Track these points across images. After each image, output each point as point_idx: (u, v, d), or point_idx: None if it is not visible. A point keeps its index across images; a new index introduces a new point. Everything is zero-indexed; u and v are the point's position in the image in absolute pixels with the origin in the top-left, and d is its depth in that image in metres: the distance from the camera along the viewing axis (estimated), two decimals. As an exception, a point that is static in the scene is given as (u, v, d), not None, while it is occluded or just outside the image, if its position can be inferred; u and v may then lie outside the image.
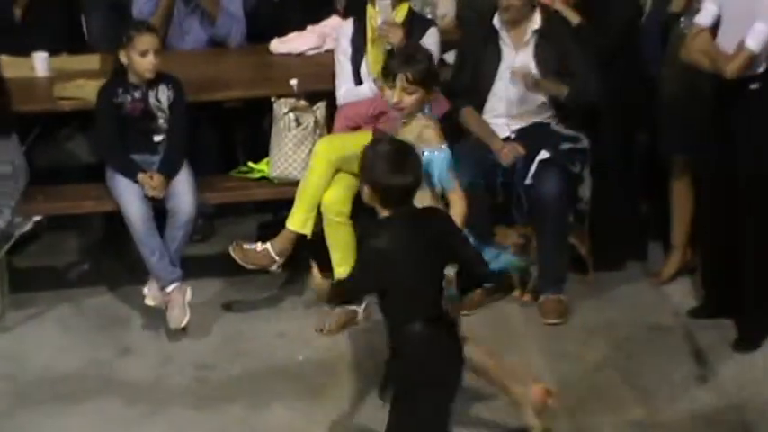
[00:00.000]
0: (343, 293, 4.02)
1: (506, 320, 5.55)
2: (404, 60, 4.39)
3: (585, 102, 5.56)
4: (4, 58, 5.90)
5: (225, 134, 6.34)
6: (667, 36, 5.58)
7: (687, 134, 5.43)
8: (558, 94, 5.54)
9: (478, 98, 5.68)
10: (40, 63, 5.97)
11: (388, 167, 3.77)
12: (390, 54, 4.42)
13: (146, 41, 5.36)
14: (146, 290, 5.47)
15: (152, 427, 4.78)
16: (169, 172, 5.47)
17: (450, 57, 5.97)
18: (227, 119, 6.36)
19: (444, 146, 4.47)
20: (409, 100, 4.34)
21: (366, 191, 3.85)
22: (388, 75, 4.43)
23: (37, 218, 5.62)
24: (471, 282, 4.18)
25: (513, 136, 5.62)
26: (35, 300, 5.71)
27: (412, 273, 3.80)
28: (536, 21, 5.61)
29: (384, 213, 3.84)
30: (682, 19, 5.47)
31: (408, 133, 4.49)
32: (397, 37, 5.50)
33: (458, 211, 4.48)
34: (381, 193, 3.80)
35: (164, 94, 5.53)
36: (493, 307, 5.62)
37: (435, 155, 4.44)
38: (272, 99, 5.71)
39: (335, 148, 5.51)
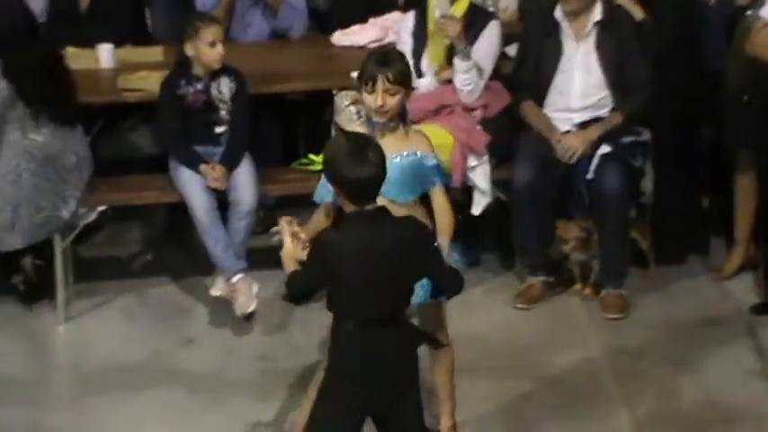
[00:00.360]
0: (290, 284, 3.80)
1: (567, 314, 5.54)
2: (381, 62, 4.23)
3: (640, 110, 5.55)
4: (70, 49, 5.96)
5: (286, 126, 6.37)
6: (733, 30, 5.53)
7: (752, 128, 5.39)
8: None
9: (539, 92, 5.67)
10: (105, 55, 6.02)
11: (348, 161, 3.65)
12: (367, 59, 4.31)
13: (213, 32, 5.41)
14: (215, 281, 5.52)
15: (214, 417, 4.82)
16: (231, 163, 5.52)
17: (511, 50, 5.95)
18: (289, 111, 6.39)
19: (434, 153, 4.32)
20: (392, 101, 4.19)
21: (334, 189, 3.74)
22: (366, 80, 4.21)
23: (101, 208, 5.67)
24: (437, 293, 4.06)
25: (573, 130, 5.60)
26: (99, 289, 5.77)
27: (363, 272, 3.67)
28: (597, 12, 5.58)
29: (348, 209, 3.71)
30: (747, 13, 5.42)
31: (393, 140, 4.28)
32: (454, 30, 5.49)
33: (440, 202, 4.32)
34: (346, 188, 3.67)
35: (226, 86, 5.57)
36: (554, 300, 5.62)
37: (427, 158, 4.29)
38: (334, 91, 5.74)
39: (396, 141, 5.52)
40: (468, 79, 5.57)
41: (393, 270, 3.70)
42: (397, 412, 3.79)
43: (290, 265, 3.81)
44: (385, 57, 4.26)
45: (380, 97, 4.17)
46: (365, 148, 3.67)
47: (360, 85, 4.26)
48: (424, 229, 3.89)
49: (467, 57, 5.54)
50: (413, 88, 4.37)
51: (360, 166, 3.63)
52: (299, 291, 3.78)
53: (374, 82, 4.18)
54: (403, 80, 4.22)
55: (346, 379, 3.75)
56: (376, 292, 3.70)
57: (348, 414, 3.76)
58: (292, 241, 3.85)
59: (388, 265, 3.69)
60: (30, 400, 4.93)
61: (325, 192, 4.20)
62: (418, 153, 4.25)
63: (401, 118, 4.26)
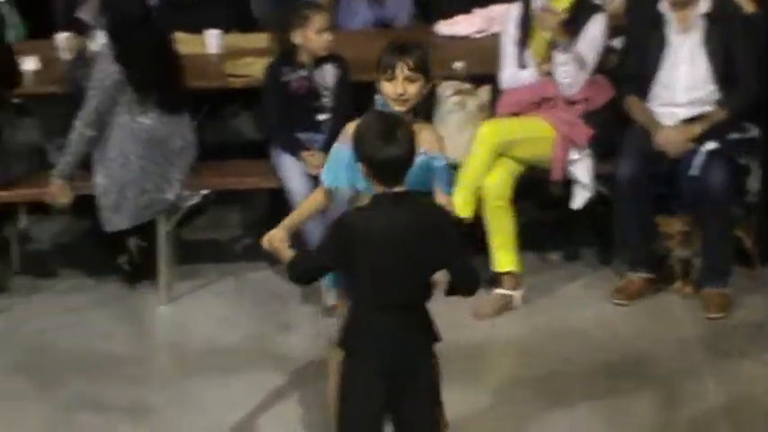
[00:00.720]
0: (297, 263, 3.82)
1: (666, 312, 5.49)
2: (399, 51, 4.21)
3: (746, 106, 5.48)
4: (179, 34, 6.03)
5: (388, 115, 6.38)
6: None
7: None
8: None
9: (644, 85, 5.61)
10: (213, 40, 6.10)
11: (378, 140, 3.64)
12: (386, 47, 4.28)
13: (321, 20, 5.45)
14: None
15: (310, 400, 4.83)
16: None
17: (617, 43, 5.88)
18: (391, 99, 6.39)
19: (443, 152, 4.24)
20: (413, 89, 4.14)
21: (362, 168, 3.71)
22: (385, 68, 4.17)
23: (204, 192, 5.74)
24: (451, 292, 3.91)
25: (678, 125, 5.54)
26: (200, 272, 5.85)
27: (384, 256, 3.64)
28: (704, 4, 5.50)
29: (378, 190, 3.70)
30: None
31: None
32: (552, 22, 5.46)
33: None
34: (375, 168, 3.66)
35: (330, 74, 5.60)
36: (653, 297, 5.56)
37: (436, 158, 4.19)
38: (436, 81, 5.73)
39: (499, 132, 5.51)
40: (567, 72, 5.53)
41: (414, 256, 3.66)
42: (410, 403, 3.76)
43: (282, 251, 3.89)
44: (404, 45, 4.23)
45: (401, 85, 4.14)
46: (395, 128, 3.67)
47: (378, 75, 4.21)
48: (449, 218, 3.87)
49: (565, 49, 5.50)
50: (431, 78, 4.27)
51: (390, 145, 3.63)
52: (306, 271, 3.79)
53: (393, 69, 4.14)
54: (423, 67, 4.17)
55: (363, 364, 3.73)
56: (395, 278, 3.67)
57: (369, 399, 3.74)
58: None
59: (410, 250, 3.65)
60: (132, 378, 5.02)
61: (332, 177, 4.18)
62: (426, 152, 4.13)
63: (414, 112, 4.20)
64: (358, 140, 3.71)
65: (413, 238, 3.66)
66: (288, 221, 4.19)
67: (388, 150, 3.63)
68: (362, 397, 3.75)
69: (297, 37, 5.50)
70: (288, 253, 3.94)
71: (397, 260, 3.65)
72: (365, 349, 3.74)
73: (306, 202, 4.35)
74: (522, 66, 5.67)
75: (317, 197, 4.27)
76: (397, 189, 3.68)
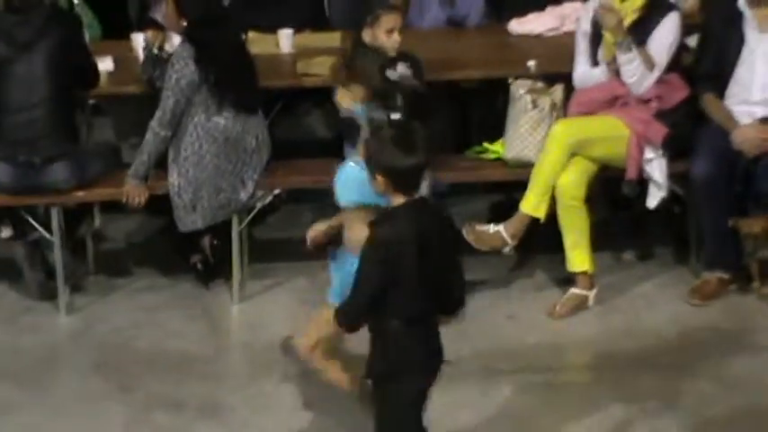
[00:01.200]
0: (348, 308, 3.71)
1: (743, 313, 5.43)
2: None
3: None
4: (251, 34, 6.06)
5: (460, 113, 6.37)
6: None
7: None
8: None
9: (720, 83, 5.54)
10: (285, 40, 6.11)
11: (398, 150, 3.59)
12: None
13: (392, 20, 5.43)
14: None
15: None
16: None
17: (692, 41, 5.82)
18: (463, 98, 6.38)
19: None
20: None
21: (378, 180, 3.64)
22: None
23: (277, 191, 5.75)
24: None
25: (755, 123, 5.46)
26: (273, 271, 5.87)
27: (417, 266, 3.61)
28: (783, 2, 5.43)
29: (398, 201, 3.64)
30: None
31: None
32: (611, 21, 5.42)
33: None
34: (395, 179, 3.61)
35: (402, 73, 5.58)
36: (729, 298, 5.50)
37: None
38: (509, 80, 5.70)
39: (573, 131, 5.48)
40: (632, 71, 5.47)
41: (435, 263, 3.66)
42: None
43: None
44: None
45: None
46: (412, 135, 3.65)
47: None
48: (453, 224, 3.88)
49: (627, 49, 5.44)
50: None
51: (410, 153, 3.60)
52: (360, 310, 3.68)
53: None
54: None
55: (412, 383, 3.75)
56: (424, 287, 3.65)
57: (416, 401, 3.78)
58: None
59: (434, 257, 3.64)
60: (206, 377, 5.06)
61: (348, 192, 4.12)
62: None
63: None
64: (376, 154, 3.65)
65: (443, 242, 3.68)
66: (334, 220, 4.17)
67: (409, 159, 3.61)
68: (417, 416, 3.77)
69: (367, 36, 5.50)
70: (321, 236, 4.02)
71: (425, 268, 3.64)
72: (414, 367, 3.73)
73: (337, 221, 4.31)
74: (596, 64, 5.63)
75: (361, 214, 4.15)
76: (417, 196, 3.67)
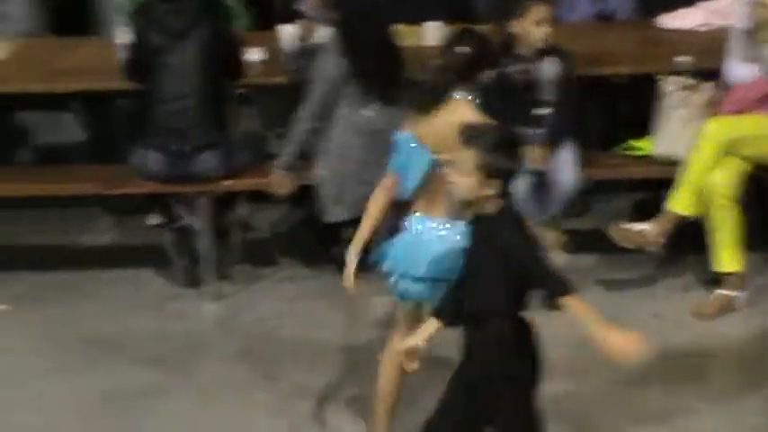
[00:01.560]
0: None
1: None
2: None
3: None
4: (399, 26, 6.04)
5: (608, 109, 6.29)
6: None
7: None
8: None
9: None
10: (433, 32, 6.09)
11: (508, 152, 3.64)
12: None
13: (541, 11, 5.39)
14: None
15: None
16: (553, 144, 5.48)
17: None
18: (611, 93, 6.30)
19: None
20: None
21: (493, 182, 3.61)
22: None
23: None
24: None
25: None
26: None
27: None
28: None
29: (495, 206, 3.64)
30: None
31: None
32: (760, 16, 5.27)
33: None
34: (505, 179, 3.62)
35: (551, 67, 5.53)
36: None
37: None
38: (658, 76, 5.61)
39: (726, 129, 5.36)
40: None
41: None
42: (498, 414, 3.76)
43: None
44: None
45: None
46: (515, 138, 3.74)
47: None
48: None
49: None
50: None
51: (516, 155, 3.67)
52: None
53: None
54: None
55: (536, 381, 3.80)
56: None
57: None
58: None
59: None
60: (349, 368, 5.06)
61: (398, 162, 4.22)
62: None
63: None
64: (492, 151, 3.62)
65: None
66: (359, 236, 4.28)
67: (517, 160, 3.69)
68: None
69: (515, 27, 5.46)
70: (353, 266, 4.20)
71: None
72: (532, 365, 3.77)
73: (371, 208, 4.35)
74: (749, 61, 5.50)
75: (381, 197, 4.31)
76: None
